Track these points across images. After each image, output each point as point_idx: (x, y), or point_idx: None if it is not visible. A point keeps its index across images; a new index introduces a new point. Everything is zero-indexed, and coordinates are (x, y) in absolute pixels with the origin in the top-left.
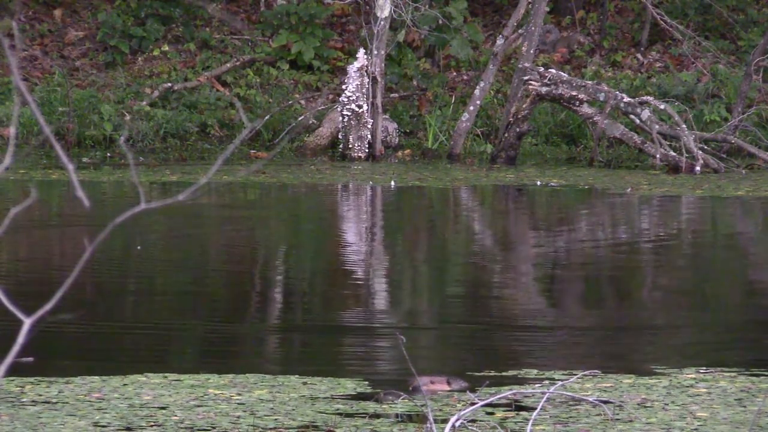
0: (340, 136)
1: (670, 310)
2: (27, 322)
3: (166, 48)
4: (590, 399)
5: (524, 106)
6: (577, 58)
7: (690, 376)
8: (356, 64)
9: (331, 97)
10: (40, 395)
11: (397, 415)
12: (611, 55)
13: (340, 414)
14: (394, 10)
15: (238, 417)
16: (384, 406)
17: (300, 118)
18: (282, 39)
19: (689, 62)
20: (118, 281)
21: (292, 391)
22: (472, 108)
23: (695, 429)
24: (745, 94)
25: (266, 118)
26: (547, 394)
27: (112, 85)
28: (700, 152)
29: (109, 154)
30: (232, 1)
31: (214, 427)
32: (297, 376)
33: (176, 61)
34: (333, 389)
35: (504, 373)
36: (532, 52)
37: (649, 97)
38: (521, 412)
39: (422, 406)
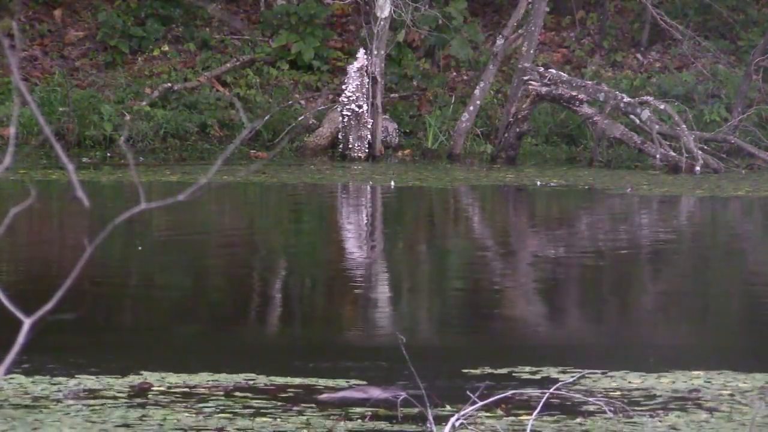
0: (340, 136)
1: (671, 311)
2: (27, 322)
3: (166, 48)
4: (591, 399)
5: (524, 106)
6: (578, 58)
7: (692, 376)
8: (356, 64)
9: (331, 97)
10: (38, 395)
11: (395, 418)
12: (611, 55)
13: (339, 413)
14: (394, 10)
15: (235, 415)
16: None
17: (300, 118)
18: (282, 39)
19: (689, 62)
20: (117, 281)
21: (290, 391)
22: (472, 108)
23: (697, 429)
24: (745, 94)
25: (266, 118)
26: (547, 394)
27: (112, 85)
28: (700, 152)
29: (109, 154)
30: (232, 1)
31: (211, 428)
32: (295, 376)
33: (176, 61)
34: (332, 389)
35: (503, 373)
36: (532, 52)
37: (649, 97)
38: (521, 412)
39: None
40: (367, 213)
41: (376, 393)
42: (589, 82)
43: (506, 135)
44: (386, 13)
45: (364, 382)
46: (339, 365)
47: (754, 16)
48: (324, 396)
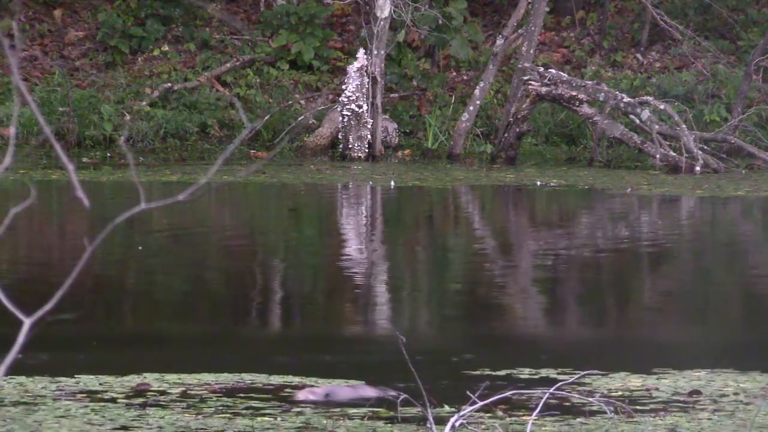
0: (340, 136)
1: (672, 311)
2: (27, 322)
3: (166, 48)
4: (591, 399)
5: (524, 106)
6: (578, 58)
7: (693, 376)
8: (356, 64)
9: (331, 97)
10: (38, 395)
11: (395, 418)
12: (611, 55)
13: (338, 414)
14: (394, 10)
15: (234, 416)
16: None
17: (300, 118)
18: (282, 39)
19: (689, 62)
20: (117, 282)
21: (289, 390)
22: (472, 108)
23: (698, 429)
24: (745, 94)
25: (266, 118)
26: (548, 394)
27: (112, 85)
28: (700, 152)
29: (109, 154)
30: (232, 1)
31: (209, 428)
32: (296, 375)
33: (176, 61)
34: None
35: (503, 374)
36: (532, 52)
37: (649, 97)
38: (521, 412)
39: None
40: (367, 213)
41: (370, 393)
42: (589, 82)
43: (506, 135)
44: (386, 13)
45: (362, 382)
46: (339, 365)
47: (754, 16)
48: (301, 395)
